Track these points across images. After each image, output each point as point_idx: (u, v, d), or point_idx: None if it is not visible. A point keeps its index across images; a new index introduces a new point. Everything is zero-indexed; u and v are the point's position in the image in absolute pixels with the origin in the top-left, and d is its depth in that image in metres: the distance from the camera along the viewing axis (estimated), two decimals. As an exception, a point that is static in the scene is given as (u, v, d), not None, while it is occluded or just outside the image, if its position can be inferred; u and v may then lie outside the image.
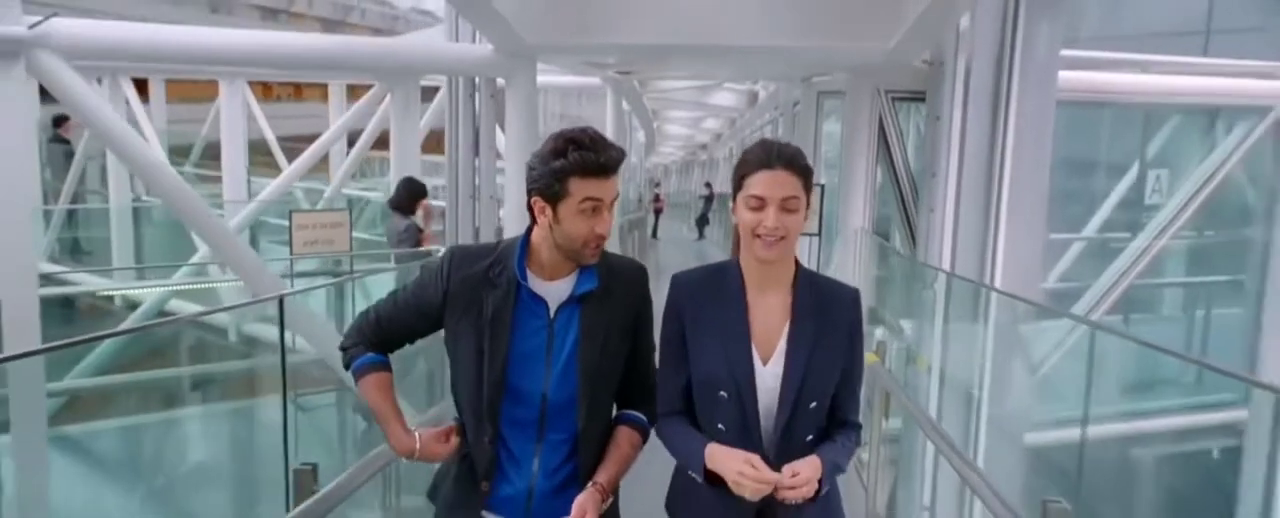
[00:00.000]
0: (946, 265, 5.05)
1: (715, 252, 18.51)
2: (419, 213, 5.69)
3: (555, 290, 1.87)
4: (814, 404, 1.81)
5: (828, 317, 1.83)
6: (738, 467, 1.71)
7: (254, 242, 9.70)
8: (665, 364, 1.90)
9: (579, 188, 1.76)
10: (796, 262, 1.87)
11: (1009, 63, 4.70)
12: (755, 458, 1.72)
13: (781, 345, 1.81)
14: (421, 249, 5.57)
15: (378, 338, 1.98)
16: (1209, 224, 8.53)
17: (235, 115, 11.00)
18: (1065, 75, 5.13)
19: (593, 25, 5.14)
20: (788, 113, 10.04)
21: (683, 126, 21.43)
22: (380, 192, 11.84)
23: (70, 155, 11.60)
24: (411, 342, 2.02)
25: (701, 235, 21.84)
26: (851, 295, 1.88)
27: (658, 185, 25.54)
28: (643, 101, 13.39)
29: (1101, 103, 7.44)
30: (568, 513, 1.82)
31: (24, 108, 5.23)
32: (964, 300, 4.54)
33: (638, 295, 1.95)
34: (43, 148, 11.14)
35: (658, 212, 21.36)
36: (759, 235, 1.76)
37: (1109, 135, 10.87)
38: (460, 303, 1.86)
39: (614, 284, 1.90)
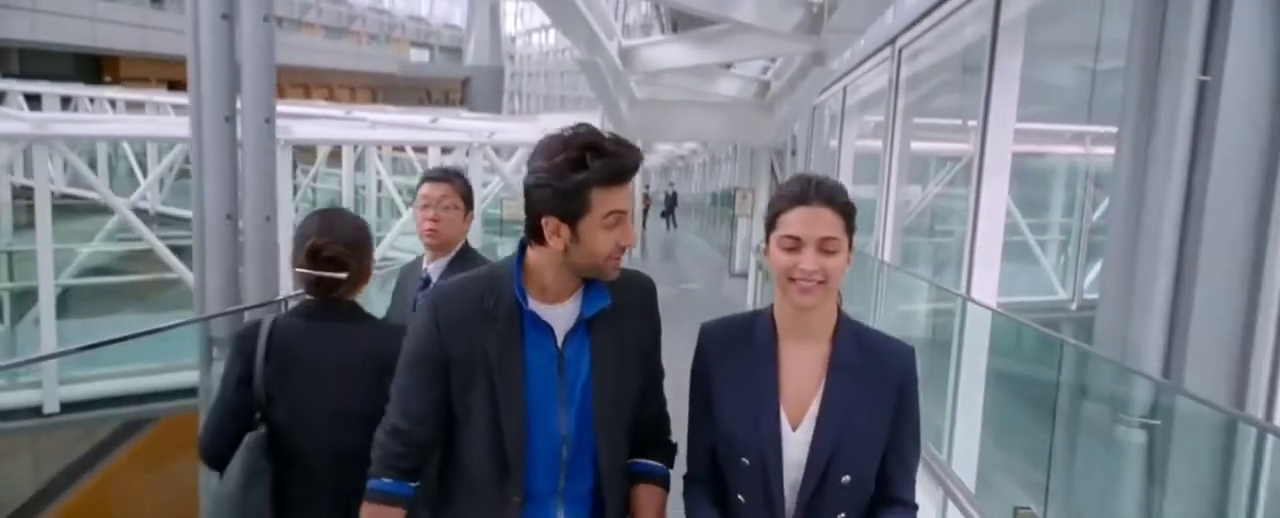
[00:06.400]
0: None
1: (689, 237, 27.07)
2: None
3: (560, 315, 1.70)
4: (847, 479, 1.63)
5: (872, 376, 1.66)
6: None
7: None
8: (693, 422, 1.77)
9: (602, 200, 1.61)
10: (840, 311, 1.71)
11: (808, 145, 13.62)
12: None
13: (813, 408, 1.65)
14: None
15: (404, 452, 1.75)
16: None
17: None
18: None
19: (656, 133, 14.33)
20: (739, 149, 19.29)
21: (666, 144, 30.32)
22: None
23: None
24: (443, 432, 1.77)
25: (672, 225, 29.24)
26: (904, 352, 1.70)
27: (647, 187, 31.74)
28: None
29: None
30: None
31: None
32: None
33: (649, 312, 1.79)
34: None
35: (646, 209, 28.12)
36: (794, 279, 1.61)
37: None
38: (461, 347, 1.67)
39: (624, 301, 1.73)
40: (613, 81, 11.26)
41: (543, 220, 1.62)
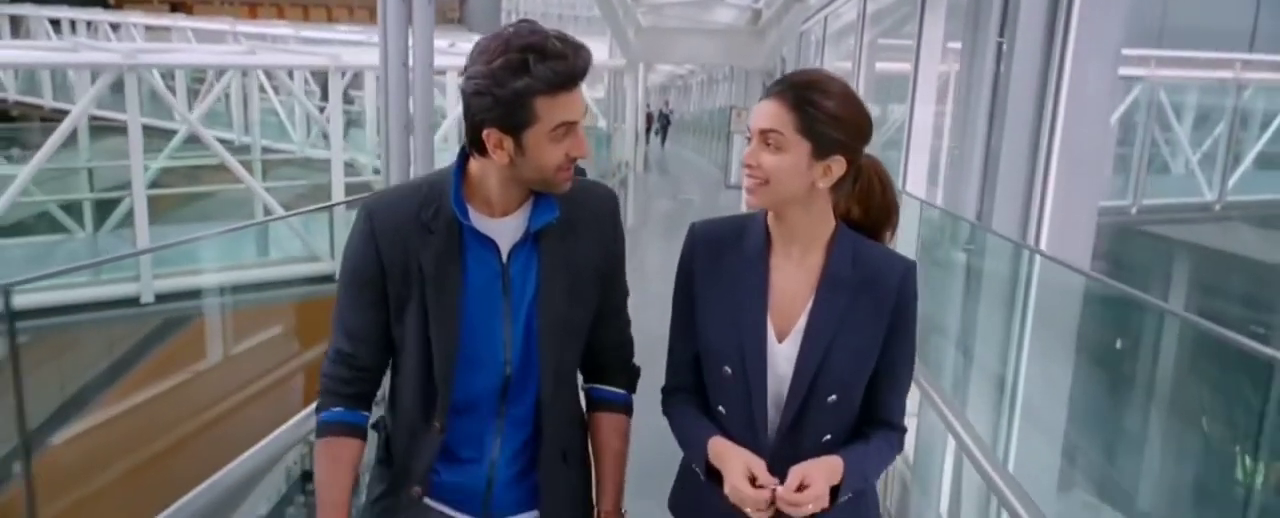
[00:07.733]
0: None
1: (682, 151, 29.11)
2: None
3: (505, 228, 1.60)
4: (833, 398, 1.57)
5: (865, 291, 1.58)
6: (734, 478, 1.52)
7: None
8: (675, 328, 1.70)
9: (549, 110, 1.47)
10: (839, 222, 1.63)
11: (796, 67, 15.28)
12: (758, 464, 1.53)
13: (801, 321, 1.58)
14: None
15: (351, 377, 1.65)
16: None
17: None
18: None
19: (659, 56, 16.40)
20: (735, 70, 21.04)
21: (667, 64, 31.91)
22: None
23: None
24: (392, 354, 1.67)
25: (663, 142, 30.99)
26: (903, 268, 1.60)
27: (648, 106, 33.22)
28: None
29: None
30: (531, 503, 1.69)
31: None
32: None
33: (609, 227, 1.69)
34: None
35: (649, 128, 29.70)
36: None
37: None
38: (397, 263, 1.58)
39: (578, 214, 1.63)
40: (622, 13, 13.00)
41: (484, 133, 1.49)
